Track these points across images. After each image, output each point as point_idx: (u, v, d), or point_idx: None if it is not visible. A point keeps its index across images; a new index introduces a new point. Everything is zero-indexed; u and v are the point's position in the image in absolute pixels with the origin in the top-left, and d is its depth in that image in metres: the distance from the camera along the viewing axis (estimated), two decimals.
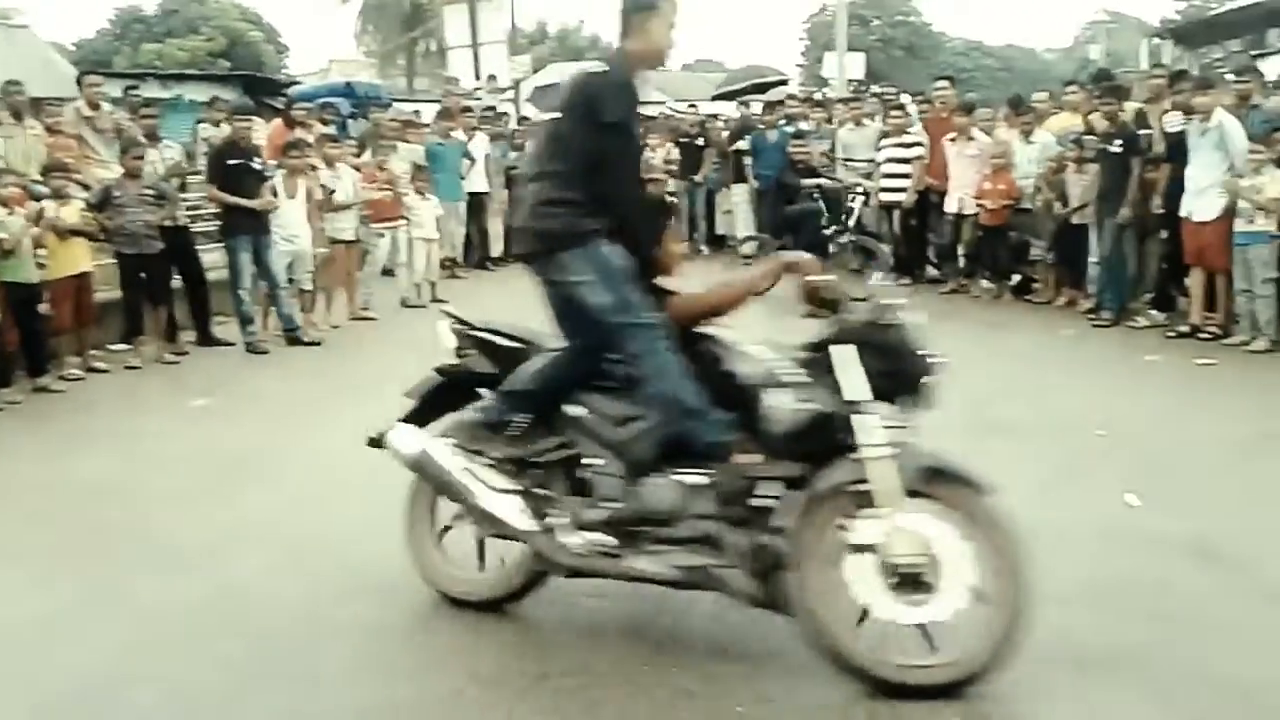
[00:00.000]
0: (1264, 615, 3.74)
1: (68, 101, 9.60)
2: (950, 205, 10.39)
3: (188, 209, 9.02)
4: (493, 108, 14.88)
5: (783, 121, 12.72)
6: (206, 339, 8.76)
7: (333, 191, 9.29)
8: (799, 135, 11.47)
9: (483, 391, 3.84)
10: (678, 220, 12.11)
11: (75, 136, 9.23)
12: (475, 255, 12.63)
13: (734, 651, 3.54)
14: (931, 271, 11.15)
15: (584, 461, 3.60)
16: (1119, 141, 8.65)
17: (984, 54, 46.82)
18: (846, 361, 3.27)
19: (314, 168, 9.31)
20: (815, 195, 10.95)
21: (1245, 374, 7.23)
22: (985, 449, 5.41)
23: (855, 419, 3.22)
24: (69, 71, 13.75)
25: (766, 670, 3.42)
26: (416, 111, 14.48)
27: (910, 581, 3.18)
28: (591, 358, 3.60)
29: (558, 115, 3.61)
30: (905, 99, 12.77)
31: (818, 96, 16.29)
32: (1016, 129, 10.21)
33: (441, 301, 10.53)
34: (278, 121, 11.56)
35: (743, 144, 12.90)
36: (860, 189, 10.95)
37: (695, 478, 3.44)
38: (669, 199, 9.03)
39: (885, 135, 11.29)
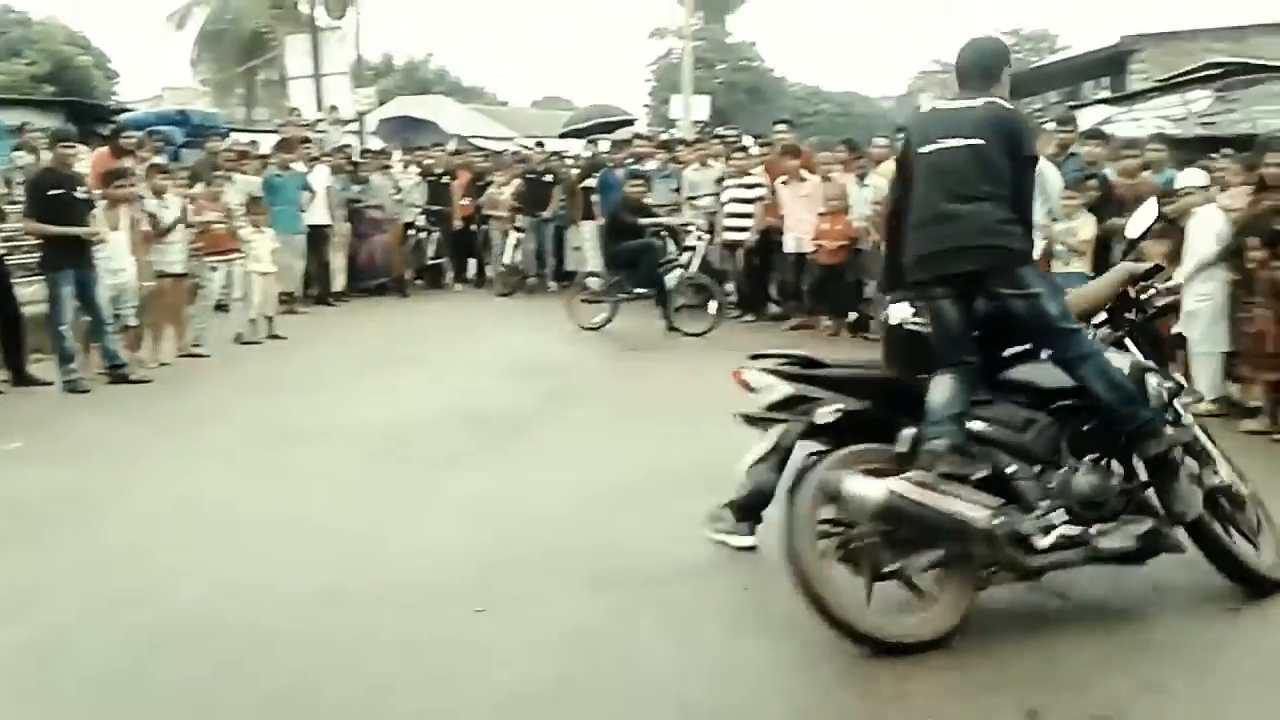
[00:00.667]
0: None
1: None
2: (789, 245, 10.69)
3: (2, 239, 8.49)
4: (346, 146, 14.62)
5: (630, 160, 12.88)
6: (22, 378, 8.23)
7: (154, 217, 8.88)
8: (635, 175, 11.64)
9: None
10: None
11: None
12: (316, 290, 12.30)
13: None
14: (774, 309, 11.42)
15: (1008, 471, 3.83)
16: None
17: (824, 99, 48.50)
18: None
19: (141, 197, 8.92)
20: (662, 234, 11.16)
21: None
22: None
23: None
24: None
25: None
26: (253, 142, 14.08)
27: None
28: (977, 372, 3.92)
29: (977, 143, 3.90)
30: (748, 140, 13.12)
31: (664, 137, 16.59)
32: (851, 172, 10.59)
33: (279, 338, 10.22)
34: (102, 149, 11.04)
35: (591, 181, 13.00)
36: (699, 228, 11.21)
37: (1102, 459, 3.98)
38: None
39: (728, 176, 11.56)
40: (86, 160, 10.22)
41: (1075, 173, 8.62)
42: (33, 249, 8.57)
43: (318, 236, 12.17)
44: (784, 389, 4.02)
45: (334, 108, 17.40)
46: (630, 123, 21.52)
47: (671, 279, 10.71)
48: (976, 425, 3.85)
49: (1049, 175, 8.32)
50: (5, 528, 5.15)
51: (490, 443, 6.64)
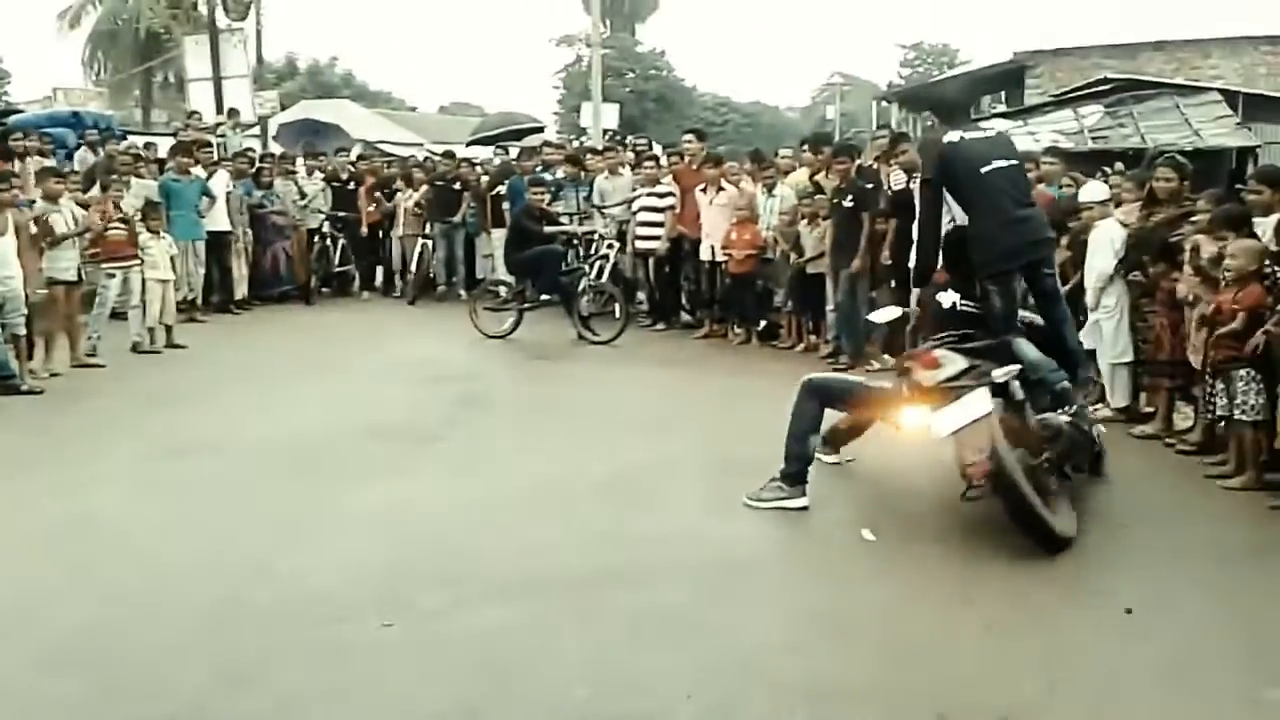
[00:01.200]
0: (983, 642, 4.01)
1: None
2: (705, 253, 10.78)
3: None
4: (249, 150, 14.26)
5: (539, 168, 12.85)
6: None
7: (44, 222, 8.54)
8: (537, 183, 11.62)
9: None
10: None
11: None
12: (218, 298, 12.00)
13: None
14: (685, 317, 11.49)
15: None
16: (850, 197, 9.23)
17: (731, 109, 49.10)
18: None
19: (31, 202, 8.58)
20: (574, 241, 11.16)
21: None
22: (724, 485, 5.70)
23: None
24: None
25: None
26: (150, 145, 13.67)
27: None
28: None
29: (1015, 162, 5.50)
30: (657, 149, 13.17)
31: (575, 144, 16.59)
32: (759, 182, 10.72)
33: (179, 347, 9.94)
34: None
35: (501, 189, 12.93)
36: (608, 236, 11.23)
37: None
38: None
39: (639, 185, 11.61)
40: None
41: None
42: None
43: (219, 243, 11.85)
44: (961, 362, 5.00)
45: (234, 111, 17.00)
46: (540, 130, 21.48)
47: (578, 286, 10.72)
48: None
49: None
50: None
51: (396, 452, 6.54)
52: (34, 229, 8.44)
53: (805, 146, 10.86)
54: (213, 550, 4.85)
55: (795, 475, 5.42)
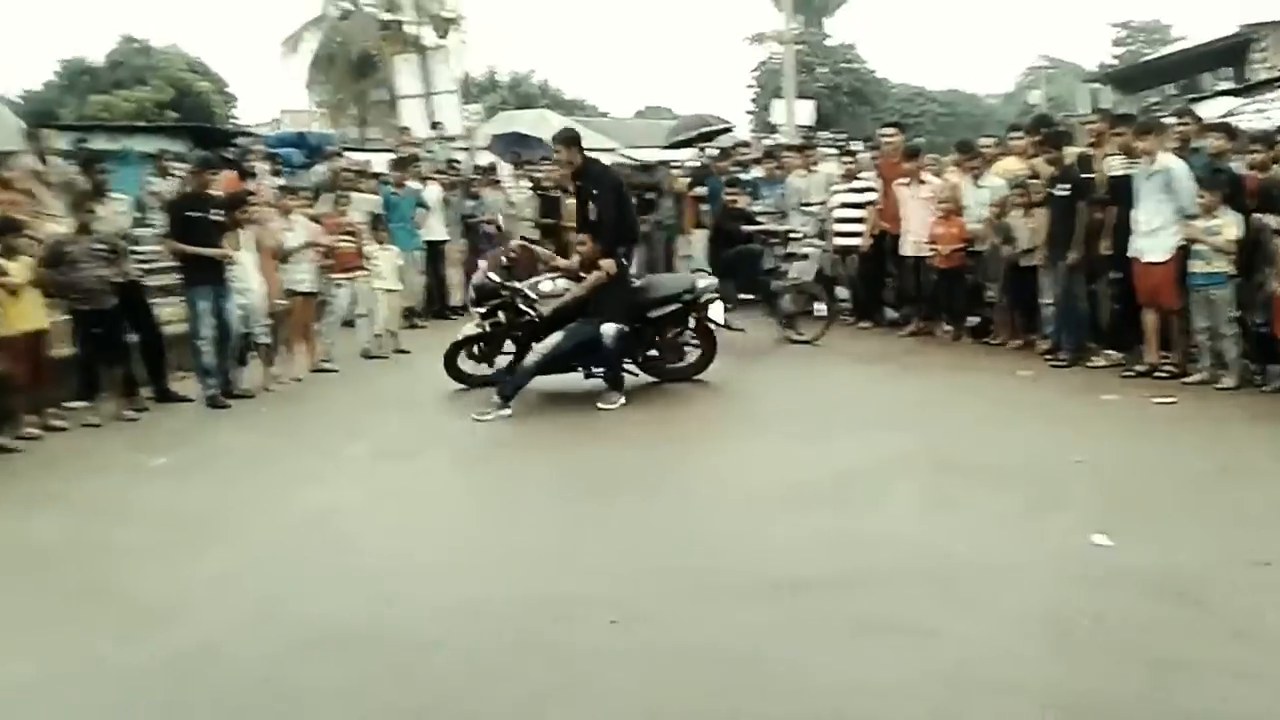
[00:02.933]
0: (1230, 652, 3.78)
1: (17, 155, 9.46)
2: (906, 248, 10.56)
3: (140, 263, 8.90)
4: (456, 162, 14.92)
5: (734, 168, 12.89)
6: (165, 395, 8.61)
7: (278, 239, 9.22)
8: (732, 183, 11.65)
9: None
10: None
11: (25, 191, 9.08)
12: (435, 304, 12.59)
13: None
14: (890, 314, 11.29)
15: None
16: (1064, 185, 8.83)
17: (928, 99, 47.71)
18: None
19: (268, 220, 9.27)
20: (771, 240, 11.14)
21: (1203, 411, 7.29)
22: (948, 485, 5.58)
23: None
24: (16, 124, 13.56)
25: None
26: (368, 160, 14.47)
27: None
28: None
29: None
30: (856, 145, 12.99)
31: (768, 143, 16.55)
32: (966, 173, 10.39)
33: (404, 351, 10.50)
34: (229, 173, 11.48)
35: (701, 190, 13.05)
36: (807, 234, 11.17)
37: None
38: None
39: (838, 180, 11.48)
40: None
41: (1204, 166, 8.33)
42: (169, 269, 8.96)
43: (435, 252, 12.45)
44: None
45: (437, 124, 17.82)
46: (729, 130, 21.51)
47: (780, 285, 10.69)
48: None
49: (1178, 172, 8.06)
50: (152, 540, 5.35)
51: (619, 463, 6.71)
52: (272, 244, 9.11)
53: (1021, 133, 10.44)
54: (455, 545, 5.11)
55: None
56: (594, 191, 8.10)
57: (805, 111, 24.18)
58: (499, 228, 13.28)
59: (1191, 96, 17.94)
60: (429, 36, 20.90)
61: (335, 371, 9.61)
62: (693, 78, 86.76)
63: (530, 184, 14.24)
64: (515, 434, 7.28)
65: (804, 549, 4.87)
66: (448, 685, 3.73)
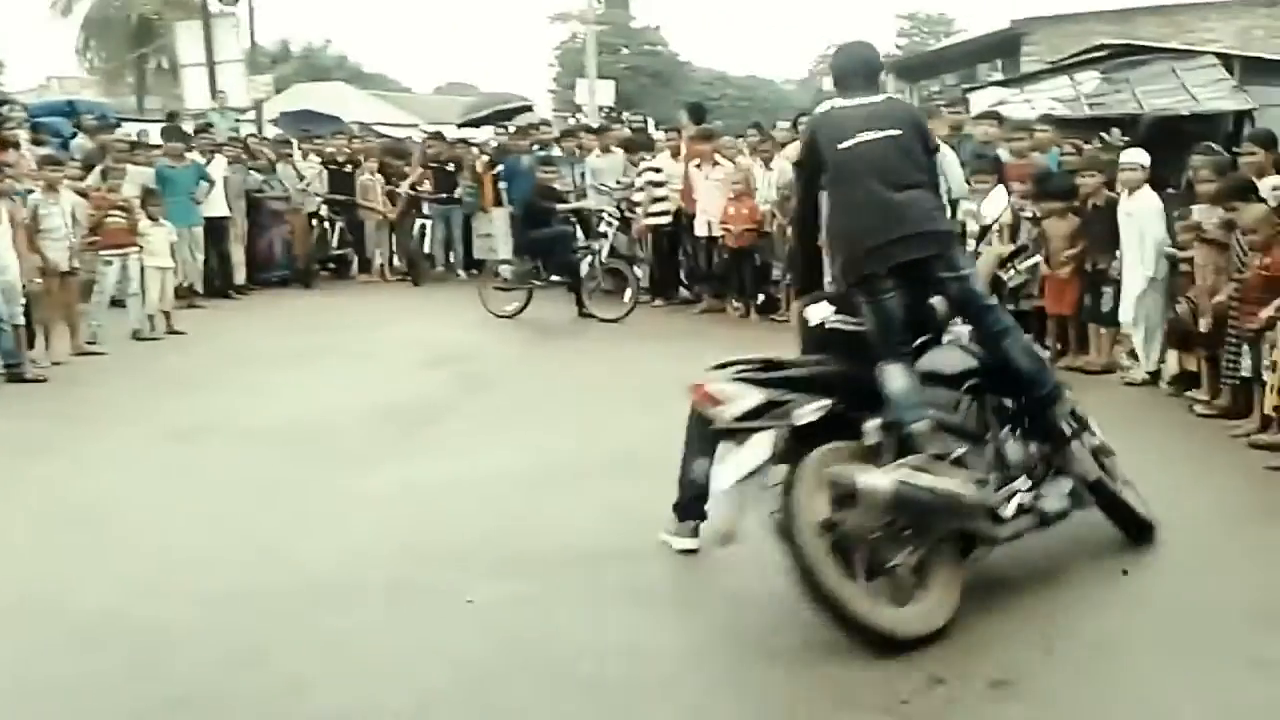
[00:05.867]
0: None
1: None
2: (700, 228, 10.77)
3: None
4: (249, 135, 14.22)
5: (535, 147, 12.83)
6: None
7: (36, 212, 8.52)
8: (548, 161, 11.61)
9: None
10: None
11: None
12: (217, 283, 12.00)
13: None
14: (684, 292, 11.49)
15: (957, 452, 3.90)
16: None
17: (727, 84, 48.85)
18: None
19: (29, 190, 8.58)
20: (571, 219, 11.14)
21: None
22: None
23: None
24: None
25: None
26: (143, 132, 13.64)
27: None
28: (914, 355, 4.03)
29: (896, 133, 3.96)
30: (654, 128, 13.14)
31: (571, 123, 16.55)
32: (758, 156, 10.68)
33: (179, 333, 9.95)
34: None
35: (500, 169, 12.92)
36: (608, 213, 11.24)
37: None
38: None
39: (638, 161, 11.59)
40: None
41: (972, 154, 8.81)
42: None
43: (217, 229, 11.84)
44: (755, 396, 3.77)
45: (221, 93, 16.98)
46: (529, 109, 21.40)
47: (585, 265, 10.72)
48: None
49: (947, 156, 8.47)
50: None
51: (404, 434, 6.57)
52: (27, 219, 8.44)
53: (805, 118, 10.77)
54: (220, 535, 4.89)
55: None
56: None
57: (607, 92, 24.30)
58: (288, 200, 12.79)
59: (966, 87, 18.97)
60: (214, 2, 19.69)
61: (103, 354, 9.00)
62: (495, 54, 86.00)
63: (319, 159, 13.75)
64: (299, 416, 7.02)
65: (574, 526, 4.89)
66: (212, 675, 3.59)
